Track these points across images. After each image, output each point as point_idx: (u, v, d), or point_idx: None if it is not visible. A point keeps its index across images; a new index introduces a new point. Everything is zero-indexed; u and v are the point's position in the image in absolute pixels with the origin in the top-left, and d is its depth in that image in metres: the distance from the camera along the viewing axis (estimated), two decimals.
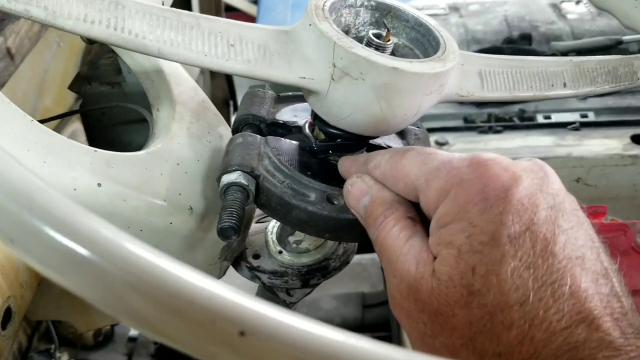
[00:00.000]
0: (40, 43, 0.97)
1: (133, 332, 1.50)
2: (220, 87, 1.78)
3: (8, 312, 0.41)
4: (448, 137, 1.49)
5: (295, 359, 0.20)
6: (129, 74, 0.64)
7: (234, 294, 0.20)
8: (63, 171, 0.43)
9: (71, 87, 0.69)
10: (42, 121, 0.45)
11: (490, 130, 1.50)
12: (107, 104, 0.67)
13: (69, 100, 1.06)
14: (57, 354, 0.80)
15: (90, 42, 0.63)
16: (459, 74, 0.49)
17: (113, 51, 0.63)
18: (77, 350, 1.23)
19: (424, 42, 0.49)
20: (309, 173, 0.50)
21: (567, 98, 0.52)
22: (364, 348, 0.21)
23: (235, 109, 1.84)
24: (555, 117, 1.53)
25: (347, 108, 0.45)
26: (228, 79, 1.78)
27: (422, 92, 0.44)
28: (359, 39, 0.45)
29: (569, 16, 1.74)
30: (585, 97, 1.58)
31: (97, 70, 0.67)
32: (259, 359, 0.20)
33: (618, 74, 0.54)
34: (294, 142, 0.52)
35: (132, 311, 0.20)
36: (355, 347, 0.20)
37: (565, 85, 0.53)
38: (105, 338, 1.36)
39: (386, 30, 0.47)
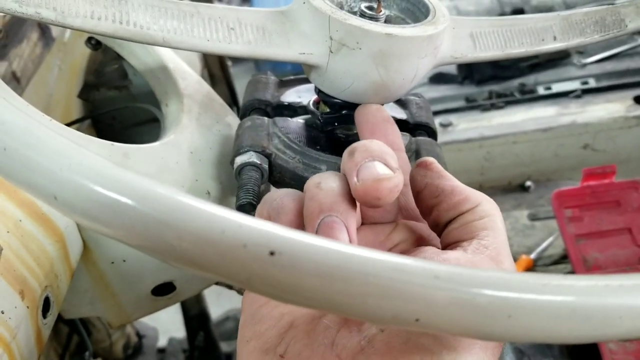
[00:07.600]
0: (43, 67, 0.99)
1: (161, 344, 1.50)
2: (222, 94, 1.80)
3: (47, 302, 0.43)
4: (451, 118, 1.50)
5: (318, 274, 0.22)
6: (134, 76, 0.67)
7: (261, 222, 0.22)
8: None
9: (80, 95, 0.72)
10: None
11: (493, 107, 1.51)
12: (116, 107, 0.69)
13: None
14: None
15: (95, 47, 0.65)
16: (451, 37, 0.51)
17: (117, 57, 0.65)
18: None
19: (414, 11, 0.51)
20: (318, 147, 0.51)
21: (558, 49, 0.54)
22: (389, 261, 0.22)
23: (239, 114, 1.85)
24: (556, 87, 1.54)
25: (348, 78, 0.47)
26: (229, 85, 1.79)
27: (417, 56, 0.46)
28: (352, 14, 0.47)
29: None
30: (584, 65, 1.59)
31: (104, 77, 0.70)
32: (288, 274, 0.22)
33: (606, 23, 0.56)
34: (301, 120, 0.54)
35: (172, 248, 0.22)
36: (378, 260, 0.22)
37: (555, 38, 0.54)
38: (134, 351, 1.36)
39: (377, 2, 0.49)
